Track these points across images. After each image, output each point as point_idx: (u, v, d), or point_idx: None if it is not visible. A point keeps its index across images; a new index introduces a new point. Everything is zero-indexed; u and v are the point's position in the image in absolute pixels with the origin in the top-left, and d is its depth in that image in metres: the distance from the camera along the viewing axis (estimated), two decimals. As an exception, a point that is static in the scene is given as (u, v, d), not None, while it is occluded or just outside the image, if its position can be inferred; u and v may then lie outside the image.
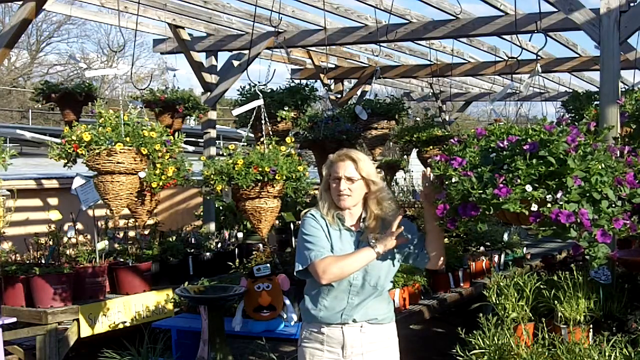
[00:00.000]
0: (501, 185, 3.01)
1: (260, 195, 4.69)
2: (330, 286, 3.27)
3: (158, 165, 5.09)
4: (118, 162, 4.48)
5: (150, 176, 5.12)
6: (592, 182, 3.03)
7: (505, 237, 8.06)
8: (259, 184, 4.64)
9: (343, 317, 3.27)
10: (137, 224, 5.86)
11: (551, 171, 3.05)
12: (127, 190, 4.58)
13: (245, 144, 5.12)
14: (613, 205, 3.08)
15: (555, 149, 3.04)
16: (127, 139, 4.46)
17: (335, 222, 3.33)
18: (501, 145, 3.24)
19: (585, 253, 3.07)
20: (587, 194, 3.04)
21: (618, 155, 3.27)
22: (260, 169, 4.57)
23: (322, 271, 3.17)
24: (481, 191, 3.05)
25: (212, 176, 4.69)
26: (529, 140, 3.15)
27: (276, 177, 4.60)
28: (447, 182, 3.21)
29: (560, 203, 2.98)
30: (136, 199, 5.28)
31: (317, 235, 3.28)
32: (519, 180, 3.02)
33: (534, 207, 3.00)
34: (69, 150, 4.53)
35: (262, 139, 4.98)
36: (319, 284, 3.27)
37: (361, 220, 3.35)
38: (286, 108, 6.98)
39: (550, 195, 3.01)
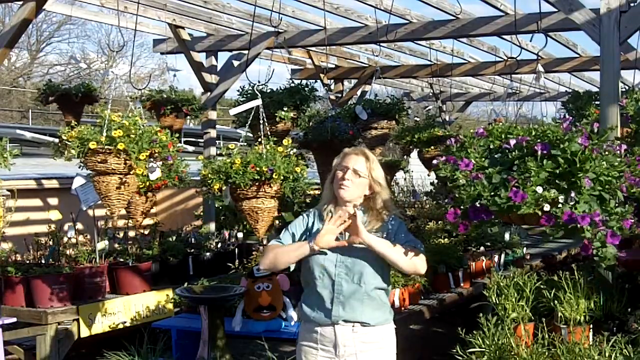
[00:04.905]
0: (514, 188, 3.00)
1: (258, 195, 4.68)
2: (313, 284, 3.30)
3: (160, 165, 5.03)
4: (100, 162, 4.48)
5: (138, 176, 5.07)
6: (602, 182, 3.03)
7: (507, 237, 8.06)
8: (257, 183, 4.63)
9: (333, 317, 3.26)
10: (133, 224, 5.86)
11: (561, 172, 3.05)
12: (116, 190, 4.56)
13: (244, 143, 5.11)
14: (622, 206, 3.09)
15: (568, 149, 3.04)
16: (103, 139, 4.44)
17: (327, 217, 3.32)
18: (507, 146, 3.23)
19: (594, 254, 3.07)
20: (597, 194, 3.04)
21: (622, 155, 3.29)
22: (257, 168, 4.57)
23: (261, 255, 3.35)
24: (492, 193, 3.04)
25: (209, 175, 4.68)
26: (539, 140, 3.15)
27: (273, 176, 4.60)
28: (451, 184, 3.20)
29: (571, 203, 2.98)
30: (130, 200, 5.27)
31: (290, 230, 3.38)
32: (530, 182, 3.01)
33: (547, 208, 3.00)
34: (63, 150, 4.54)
35: (260, 139, 4.97)
36: (309, 283, 3.33)
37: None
38: (285, 108, 6.97)
39: (562, 196, 3.00)
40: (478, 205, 3.08)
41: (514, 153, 3.19)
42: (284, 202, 5.86)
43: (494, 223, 3.19)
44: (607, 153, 3.17)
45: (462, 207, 3.15)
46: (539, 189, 3.00)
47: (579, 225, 2.97)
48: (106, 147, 4.44)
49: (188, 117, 7.92)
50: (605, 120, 4.72)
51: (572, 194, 2.99)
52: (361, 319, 3.25)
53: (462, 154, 3.26)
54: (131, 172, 4.56)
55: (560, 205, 3.00)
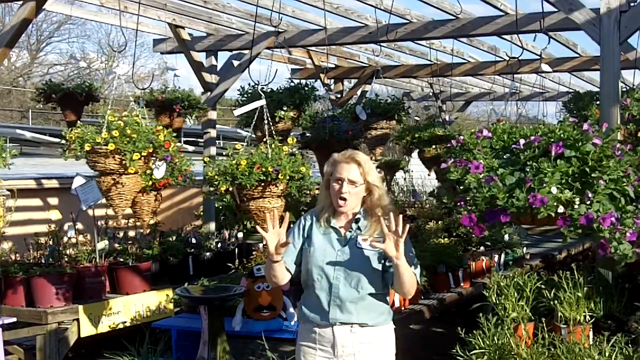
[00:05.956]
0: (530, 189, 3.00)
1: (264, 195, 4.70)
2: (312, 285, 3.30)
3: (149, 165, 5.00)
4: (99, 162, 4.48)
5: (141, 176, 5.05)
6: (614, 181, 3.04)
7: (506, 237, 8.06)
8: (263, 183, 4.65)
9: (330, 319, 3.26)
10: (137, 224, 5.85)
11: (574, 172, 3.06)
12: (116, 190, 4.56)
13: (248, 144, 5.12)
14: (631, 204, 3.11)
15: (583, 149, 3.05)
16: (100, 139, 4.43)
17: (324, 221, 3.33)
18: (517, 146, 3.23)
19: (613, 252, 3.08)
20: (608, 193, 3.05)
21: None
22: (263, 169, 4.59)
23: None
24: (508, 195, 3.04)
25: (215, 177, 4.70)
26: (552, 140, 3.15)
27: (279, 176, 4.61)
28: (462, 188, 3.19)
29: (587, 203, 2.99)
30: (136, 199, 5.27)
31: (289, 236, 3.31)
32: (545, 183, 3.02)
33: (561, 210, 3.00)
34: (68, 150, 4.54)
35: (264, 139, 4.98)
36: (308, 285, 3.34)
37: (353, 221, 3.33)
38: (285, 108, 6.97)
39: (577, 197, 3.01)
40: (493, 207, 3.07)
41: (525, 153, 3.18)
42: (286, 202, 5.88)
43: (510, 224, 3.19)
44: (621, 151, 3.19)
45: (476, 210, 3.14)
46: (554, 190, 3.00)
47: (596, 226, 2.97)
48: (103, 147, 4.44)
49: (182, 116, 7.82)
50: (606, 121, 4.72)
51: (590, 195, 2.99)
52: (358, 320, 3.26)
53: (470, 156, 3.25)
54: (126, 172, 4.55)
55: (576, 206, 3.01)
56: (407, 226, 3.10)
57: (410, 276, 3.18)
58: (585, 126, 3.18)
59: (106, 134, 4.43)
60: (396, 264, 3.12)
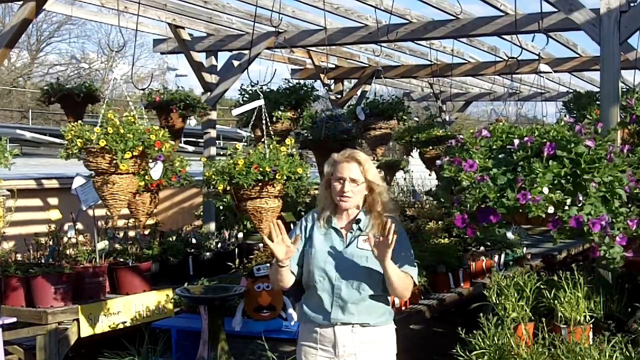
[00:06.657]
0: (522, 190, 3.00)
1: (261, 195, 4.70)
2: (313, 286, 3.30)
3: (143, 165, 4.98)
4: (92, 161, 4.48)
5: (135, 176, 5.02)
6: (607, 183, 3.04)
7: (509, 235, 8.07)
8: (260, 183, 4.65)
9: (332, 319, 3.27)
10: (135, 224, 5.84)
11: (567, 173, 3.06)
12: (109, 190, 4.56)
13: (246, 144, 5.12)
14: (627, 206, 3.11)
15: (575, 150, 3.05)
16: (94, 137, 4.43)
17: (325, 222, 3.34)
18: (511, 146, 3.23)
19: (603, 256, 3.08)
20: (601, 195, 3.05)
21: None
22: (261, 169, 4.58)
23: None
24: (499, 194, 3.04)
25: (213, 176, 4.69)
26: (545, 140, 3.15)
27: (277, 176, 4.61)
28: (456, 187, 3.19)
29: (579, 205, 2.98)
30: (131, 200, 5.25)
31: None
32: (536, 183, 3.02)
33: (551, 210, 3.00)
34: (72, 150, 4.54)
35: (263, 139, 4.98)
36: (309, 285, 3.34)
37: (354, 222, 3.33)
38: (282, 108, 6.97)
39: (569, 198, 3.01)
40: (485, 207, 3.07)
41: (518, 153, 3.18)
42: (284, 202, 5.89)
43: (502, 225, 3.19)
44: (612, 154, 3.18)
45: (468, 210, 3.14)
46: (545, 190, 3.00)
47: (585, 229, 2.97)
48: (95, 145, 4.43)
49: (182, 116, 7.78)
50: (606, 121, 4.72)
51: (580, 197, 2.98)
52: (359, 321, 3.27)
53: (465, 155, 3.25)
54: (117, 172, 4.54)
55: (567, 208, 3.00)
56: (396, 236, 3.07)
57: (399, 280, 3.19)
58: (577, 127, 3.18)
59: (99, 129, 4.42)
60: (383, 266, 3.15)
